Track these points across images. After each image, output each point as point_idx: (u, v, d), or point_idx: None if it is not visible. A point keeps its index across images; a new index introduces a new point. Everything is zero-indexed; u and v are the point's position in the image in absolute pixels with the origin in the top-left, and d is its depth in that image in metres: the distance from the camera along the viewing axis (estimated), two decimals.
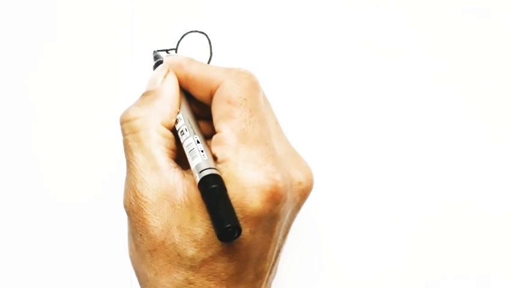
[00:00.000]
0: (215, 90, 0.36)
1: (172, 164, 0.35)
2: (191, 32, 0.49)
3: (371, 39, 0.50)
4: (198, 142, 0.35)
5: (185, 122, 0.37)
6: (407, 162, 0.49)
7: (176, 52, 0.48)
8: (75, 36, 0.50)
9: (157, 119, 0.36)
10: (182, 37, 0.48)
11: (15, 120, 0.49)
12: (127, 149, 0.36)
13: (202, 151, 0.34)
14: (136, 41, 0.49)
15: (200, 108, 0.39)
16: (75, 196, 0.49)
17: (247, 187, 0.33)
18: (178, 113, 0.37)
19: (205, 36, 0.49)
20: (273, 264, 0.37)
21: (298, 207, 0.36)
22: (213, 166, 0.33)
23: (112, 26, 0.49)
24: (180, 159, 0.36)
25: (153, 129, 0.36)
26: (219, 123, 0.35)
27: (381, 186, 0.49)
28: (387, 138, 0.49)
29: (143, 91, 0.38)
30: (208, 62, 0.48)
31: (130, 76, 0.49)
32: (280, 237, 0.36)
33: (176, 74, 0.38)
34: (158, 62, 0.41)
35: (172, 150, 0.36)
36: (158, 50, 0.44)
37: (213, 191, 0.32)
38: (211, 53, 0.48)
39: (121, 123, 0.37)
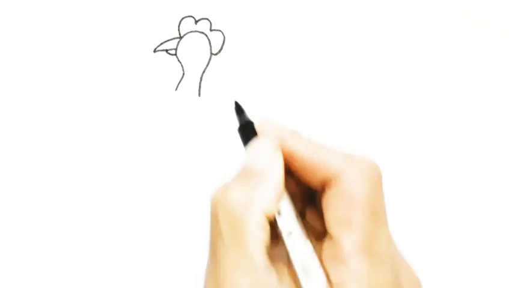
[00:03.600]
0: (330, 182, 0.30)
1: (268, 262, 0.30)
2: (191, 32, 0.49)
3: (377, 38, 0.50)
4: (310, 249, 0.30)
5: (291, 220, 0.31)
6: (407, 163, 0.50)
7: (176, 52, 0.48)
8: (75, 36, 0.50)
9: (259, 209, 0.30)
10: (182, 37, 0.48)
11: (15, 120, 0.49)
12: (218, 238, 0.30)
13: (318, 269, 0.29)
14: (136, 40, 0.49)
15: (294, 184, 0.33)
16: (75, 196, 0.49)
17: None
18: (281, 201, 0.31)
19: (205, 36, 0.49)
20: None
21: None
22: None
23: (111, 26, 0.50)
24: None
25: (254, 221, 0.30)
26: (336, 228, 0.29)
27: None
28: (386, 139, 0.49)
29: (243, 166, 0.32)
30: (208, 62, 0.48)
31: (130, 76, 0.49)
32: None
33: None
34: (246, 123, 0.34)
35: (268, 245, 0.30)
36: (157, 50, 0.44)
37: None
38: (211, 53, 0.48)
39: (215, 203, 0.31)
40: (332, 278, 0.29)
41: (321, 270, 0.29)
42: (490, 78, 0.50)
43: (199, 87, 0.48)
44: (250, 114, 0.35)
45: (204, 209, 0.48)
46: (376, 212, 0.30)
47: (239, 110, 0.35)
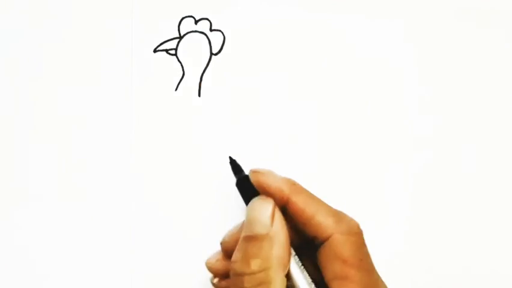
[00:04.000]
0: (321, 239, 0.34)
1: None
2: (191, 32, 0.49)
3: (373, 45, 0.50)
4: None
5: (303, 275, 0.34)
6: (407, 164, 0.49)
7: (176, 53, 0.48)
8: (75, 36, 0.50)
9: (282, 271, 0.33)
10: (182, 37, 0.48)
11: (15, 120, 0.49)
12: None
13: None
14: (136, 40, 0.49)
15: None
16: (74, 196, 0.49)
17: None
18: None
19: (205, 36, 0.49)
20: None
21: None
22: None
23: (111, 26, 0.49)
24: None
25: (280, 283, 0.33)
26: (336, 284, 0.33)
27: (381, 186, 0.49)
28: (386, 139, 0.49)
29: (246, 231, 0.34)
30: (208, 62, 0.48)
31: (130, 76, 0.49)
32: None
33: (274, 197, 0.35)
34: (242, 178, 0.37)
35: None
36: (157, 50, 0.44)
37: None
38: (211, 53, 0.48)
39: (241, 275, 0.33)
40: None
41: None
42: (491, 78, 0.50)
43: (199, 87, 0.48)
44: (246, 164, 0.37)
45: (204, 208, 0.48)
46: (367, 266, 0.34)
47: (235, 167, 0.37)
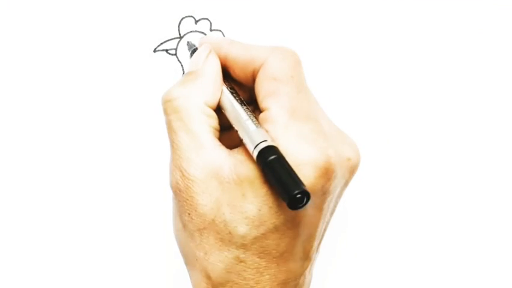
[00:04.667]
0: (258, 69, 0.36)
1: (217, 142, 0.35)
2: (191, 32, 0.49)
3: (376, 37, 0.50)
4: (248, 115, 0.35)
5: (230, 99, 0.36)
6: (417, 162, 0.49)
7: (176, 53, 0.49)
8: (75, 36, 0.50)
9: (200, 98, 0.35)
10: (181, 37, 0.48)
11: (15, 120, 0.49)
12: (171, 129, 0.36)
13: (255, 125, 0.34)
14: (136, 40, 0.49)
15: (240, 90, 0.38)
16: (74, 196, 0.49)
17: (300, 163, 0.32)
18: (221, 91, 0.37)
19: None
20: (319, 243, 0.36)
21: (346, 183, 0.35)
22: (268, 138, 0.33)
23: (111, 26, 0.49)
24: (222, 138, 0.36)
25: (197, 108, 0.35)
26: (265, 100, 0.35)
27: (383, 186, 0.49)
28: (387, 139, 0.49)
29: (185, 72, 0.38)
30: None
31: (130, 76, 0.49)
32: (328, 214, 0.35)
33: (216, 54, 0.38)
34: (194, 49, 0.41)
35: (216, 129, 0.36)
36: (157, 50, 0.44)
37: (275, 161, 0.31)
38: None
39: (163, 103, 0.36)
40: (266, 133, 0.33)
41: (257, 125, 0.34)
42: (490, 78, 0.50)
43: None
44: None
45: None
46: (298, 83, 0.35)
47: (190, 45, 0.42)
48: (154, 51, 0.48)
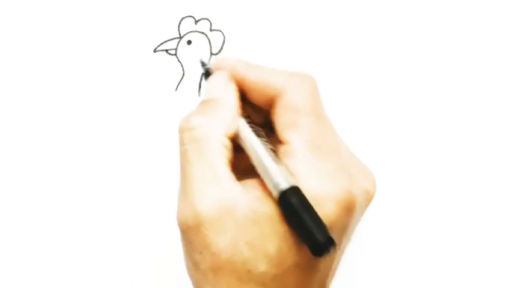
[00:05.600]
0: (276, 96, 0.35)
1: (233, 177, 0.33)
2: (191, 32, 0.49)
3: (376, 37, 0.50)
4: (267, 149, 0.34)
5: (250, 131, 0.35)
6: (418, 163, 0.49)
7: (176, 53, 0.48)
8: (75, 36, 0.50)
9: (221, 129, 0.34)
10: (182, 37, 0.48)
11: (15, 120, 0.49)
12: (186, 159, 0.33)
13: (276, 162, 0.33)
14: (136, 40, 0.49)
15: (255, 113, 0.37)
16: (74, 196, 0.49)
17: (321, 200, 0.32)
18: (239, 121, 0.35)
19: (205, 36, 0.49)
20: (334, 273, 0.35)
21: (363, 213, 0.35)
22: (290, 177, 0.32)
23: (111, 26, 0.49)
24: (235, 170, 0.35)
25: (217, 139, 0.33)
26: (285, 132, 0.34)
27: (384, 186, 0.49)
28: (387, 139, 0.49)
29: (202, 99, 0.37)
30: (208, 62, 0.48)
31: (130, 76, 0.49)
32: (342, 248, 0.35)
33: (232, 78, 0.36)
34: (207, 69, 0.39)
35: (231, 162, 0.34)
36: (157, 50, 0.44)
37: (298, 204, 0.31)
38: (211, 53, 0.48)
39: (182, 132, 0.34)
40: (287, 169, 0.32)
41: (279, 163, 0.32)
42: (490, 78, 0.50)
43: (199, 87, 0.48)
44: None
45: None
46: (318, 114, 0.34)
47: (203, 63, 0.41)
48: (154, 51, 0.48)
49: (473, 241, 0.49)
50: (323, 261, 0.33)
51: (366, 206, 0.35)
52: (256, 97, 0.36)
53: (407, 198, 0.49)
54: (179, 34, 0.48)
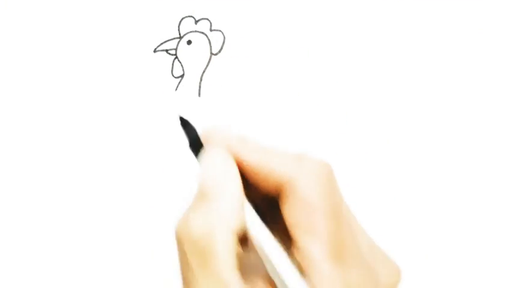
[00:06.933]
0: (285, 187, 0.29)
1: (241, 280, 0.28)
2: (191, 32, 0.49)
3: (375, 37, 0.50)
4: (282, 257, 0.29)
5: (259, 228, 0.30)
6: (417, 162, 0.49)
7: (176, 53, 0.48)
8: (75, 36, 0.50)
9: (227, 232, 0.28)
10: (181, 37, 0.48)
11: (15, 120, 0.49)
12: (188, 268, 0.29)
13: (293, 273, 0.29)
14: (136, 40, 0.49)
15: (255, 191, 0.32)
16: (74, 196, 0.49)
17: None
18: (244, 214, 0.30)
19: (205, 36, 0.49)
20: None
21: None
22: None
23: (112, 26, 0.49)
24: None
25: (223, 246, 0.28)
26: (299, 235, 0.29)
27: (383, 186, 0.49)
28: (386, 139, 0.49)
29: (197, 186, 0.31)
30: (208, 62, 0.48)
31: (130, 76, 0.49)
32: None
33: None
34: (193, 136, 0.33)
35: (239, 255, 0.29)
36: (157, 50, 0.44)
37: None
38: (211, 53, 0.48)
39: (181, 241, 0.29)
40: (307, 284, 0.29)
41: (296, 274, 0.29)
42: (490, 78, 0.50)
43: (199, 87, 0.48)
44: (198, 124, 0.33)
45: None
46: (336, 212, 0.29)
47: (184, 123, 0.33)
48: (154, 51, 0.48)
49: (473, 241, 0.49)
50: None
51: None
52: (257, 182, 0.31)
53: (407, 198, 0.49)
54: (179, 34, 0.49)
